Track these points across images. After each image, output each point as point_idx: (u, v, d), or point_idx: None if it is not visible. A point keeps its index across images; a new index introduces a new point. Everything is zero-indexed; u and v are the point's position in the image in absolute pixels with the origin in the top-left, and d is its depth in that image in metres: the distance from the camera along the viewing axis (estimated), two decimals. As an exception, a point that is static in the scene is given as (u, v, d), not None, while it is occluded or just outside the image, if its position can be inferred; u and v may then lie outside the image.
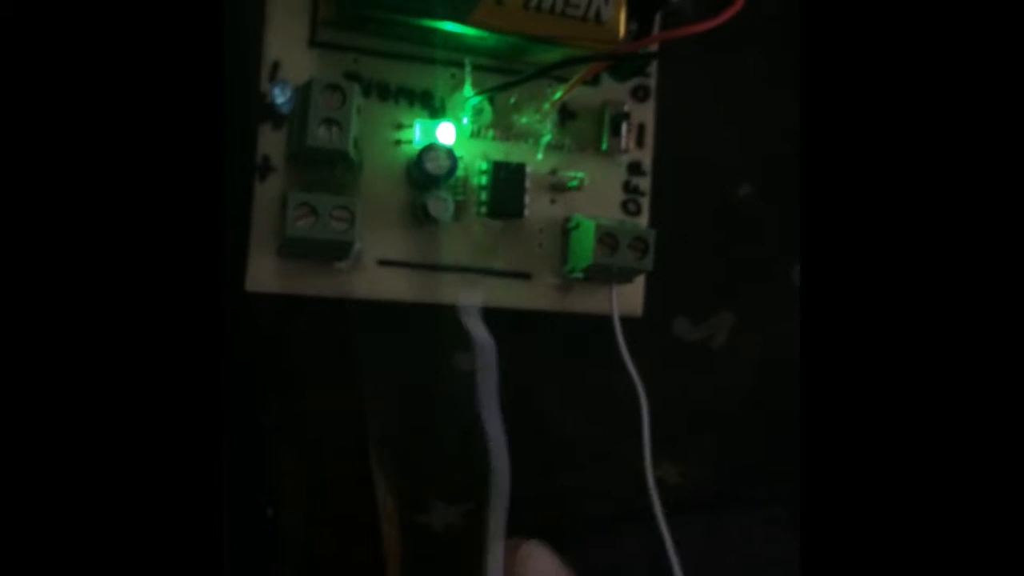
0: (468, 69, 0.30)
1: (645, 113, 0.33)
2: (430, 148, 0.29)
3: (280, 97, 0.27)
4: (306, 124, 0.27)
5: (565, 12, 0.29)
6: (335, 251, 0.29)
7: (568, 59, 0.29)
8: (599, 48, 0.29)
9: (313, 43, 0.30)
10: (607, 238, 0.30)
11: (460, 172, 0.30)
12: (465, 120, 0.31)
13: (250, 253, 0.29)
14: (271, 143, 0.30)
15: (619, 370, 0.31)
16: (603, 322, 0.32)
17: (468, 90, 0.30)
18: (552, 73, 0.30)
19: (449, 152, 0.29)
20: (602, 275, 0.31)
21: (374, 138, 0.30)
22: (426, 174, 0.29)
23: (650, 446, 0.31)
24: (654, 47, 0.30)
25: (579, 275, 0.31)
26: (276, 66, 0.30)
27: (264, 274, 0.29)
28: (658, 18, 0.31)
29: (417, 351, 0.32)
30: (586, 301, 0.32)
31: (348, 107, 0.28)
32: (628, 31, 0.30)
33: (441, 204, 0.29)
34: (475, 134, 0.31)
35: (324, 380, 0.31)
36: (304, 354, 0.31)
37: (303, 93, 0.28)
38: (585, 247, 0.30)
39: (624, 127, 0.32)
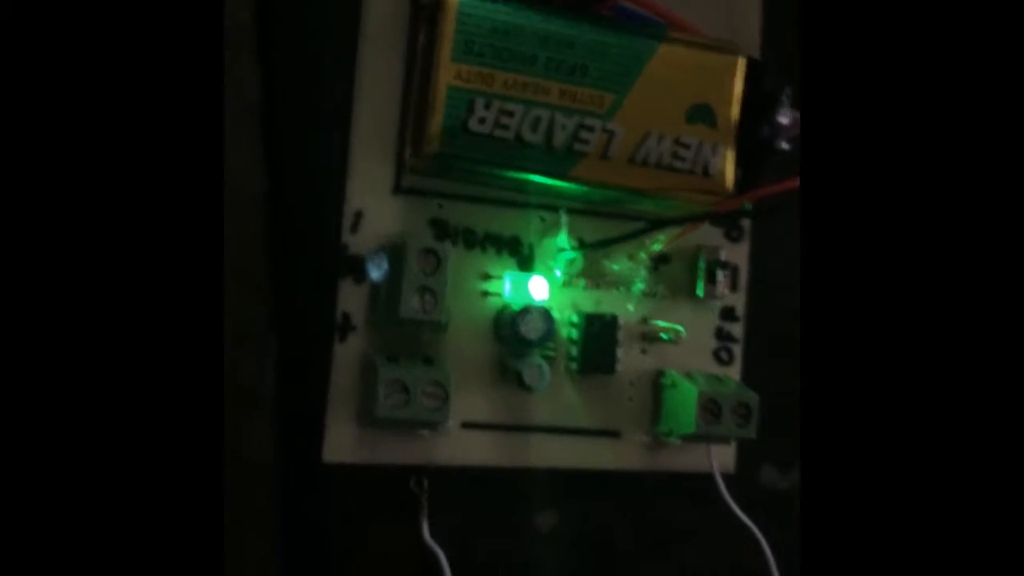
0: (564, 220, 0.28)
1: (739, 255, 0.31)
2: (526, 311, 0.27)
3: (375, 272, 0.25)
4: (399, 294, 0.25)
5: (672, 166, 0.27)
6: (424, 426, 0.27)
7: (676, 218, 0.27)
8: (706, 199, 0.27)
9: (397, 190, 0.28)
10: (710, 404, 0.28)
11: (551, 327, 0.28)
12: (558, 273, 0.28)
13: (328, 422, 0.27)
14: (352, 300, 0.27)
15: (719, 527, 0.29)
16: (694, 480, 0.30)
17: (564, 241, 0.28)
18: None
19: (546, 315, 0.27)
20: (700, 439, 0.29)
21: (460, 289, 0.28)
22: (521, 338, 0.27)
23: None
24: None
25: (675, 440, 0.29)
26: (359, 216, 0.27)
27: (343, 444, 0.27)
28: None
29: (495, 515, 0.30)
30: (678, 459, 0.30)
31: (442, 273, 0.26)
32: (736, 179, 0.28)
33: (537, 373, 0.27)
34: (566, 284, 0.29)
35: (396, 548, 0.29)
36: (378, 521, 0.29)
37: (392, 255, 0.26)
38: (684, 412, 0.28)
39: (720, 274, 0.30)
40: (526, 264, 0.29)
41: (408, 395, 0.25)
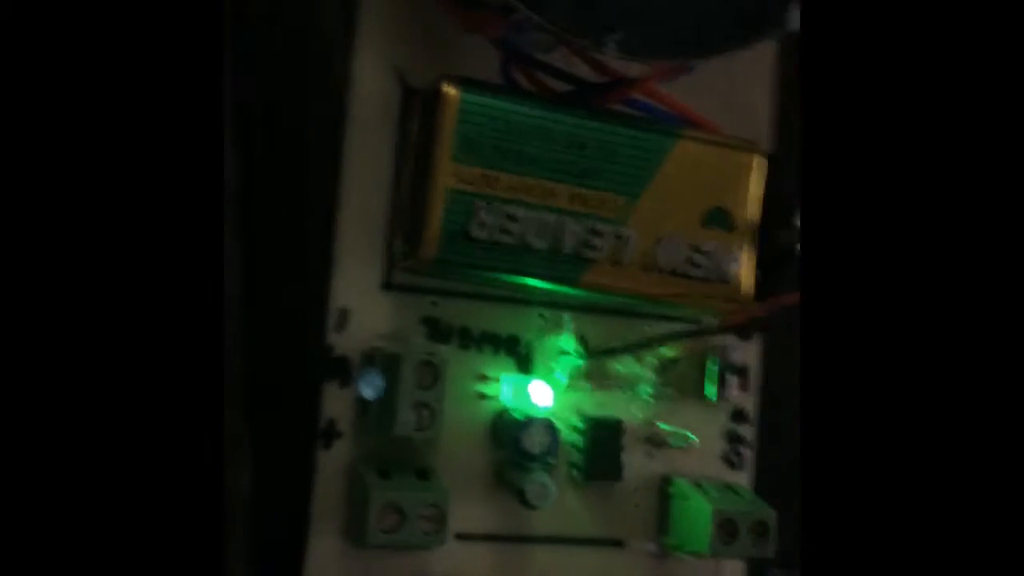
0: (568, 325, 0.26)
1: (750, 355, 0.29)
2: (528, 424, 0.25)
3: (369, 391, 0.23)
4: (394, 411, 0.23)
5: (688, 273, 0.25)
6: (418, 548, 0.25)
7: (689, 332, 0.25)
8: (723, 306, 0.25)
9: (387, 286, 0.26)
10: (726, 524, 0.26)
11: (551, 434, 0.26)
12: (561, 377, 0.27)
13: (310, 539, 0.25)
14: (338, 404, 0.25)
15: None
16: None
17: (567, 344, 0.26)
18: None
19: (549, 427, 0.25)
20: (714, 558, 0.27)
21: (455, 392, 0.26)
22: (523, 452, 0.25)
23: None
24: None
25: (685, 556, 0.27)
26: (345, 313, 0.25)
27: (327, 563, 0.25)
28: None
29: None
30: (685, 572, 0.28)
31: (440, 387, 0.24)
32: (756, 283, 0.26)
33: (541, 491, 0.25)
34: (568, 386, 0.27)
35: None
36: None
37: (384, 364, 0.24)
38: (697, 528, 0.26)
39: (730, 377, 0.28)
40: (525, 365, 0.27)
41: (403, 518, 0.23)
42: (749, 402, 0.29)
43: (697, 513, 0.26)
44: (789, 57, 0.29)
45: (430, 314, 0.26)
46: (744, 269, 0.25)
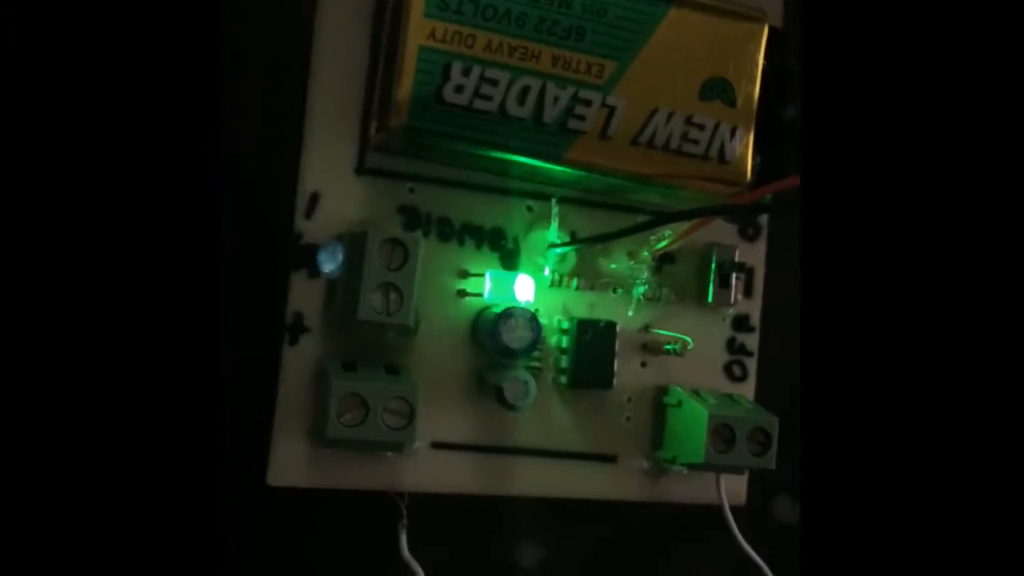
0: (555, 211, 0.24)
1: (755, 256, 0.27)
2: (508, 316, 0.23)
3: (328, 264, 0.21)
4: (357, 292, 0.21)
5: (682, 149, 0.23)
6: (385, 449, 0.23)
7: (685, 212, 0.23)
8: (721, 190, 0.23)
9: (361, 170, 0.24)
10: (722, 429, 0.24)
11: (537, 333, 0.24)
12: (547, 271, 0.25)
13: (274, 439, 0.23)
14: (305, 296, 0.23)
15: (725, 565, 0.25)
16: (699, 512, 0.26)
17: (554, 234, 0.24)
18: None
19: (532, 320, 0.23)
20: (710, 469, 0.25)
21: (432, 287, 0.24)
22: (502, 347, 0.23)
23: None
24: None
25: (680, 468, 0.25)
26: (315, 198, 0.23)
27: (291, 466, 0.23)
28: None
29: (472, 548, 0.26)
30: (682, 489, 0.26)
31: (410, 268, 0.22)
32: (754, 167, 0.24)
33: (520, 388, 0.23)
34: (554, 283, 0.25)
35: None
36: (335, 555, 0.25)
37: (351, 245, 0.22)
38: (692, 437, 0.24)
39: (733, 277, 0.26)
40: (510, 260, 0.25)
41: (367, 412, 0.21)
42: (755, 308, 0.27)
43: (692, 420, 0.24)
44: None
45: (407, 202, 0.24)
46: (745, 148, 0.23)
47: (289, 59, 0.24)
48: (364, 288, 0.21)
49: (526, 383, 0.23)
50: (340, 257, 0.21)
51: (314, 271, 0.23)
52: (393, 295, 0.22)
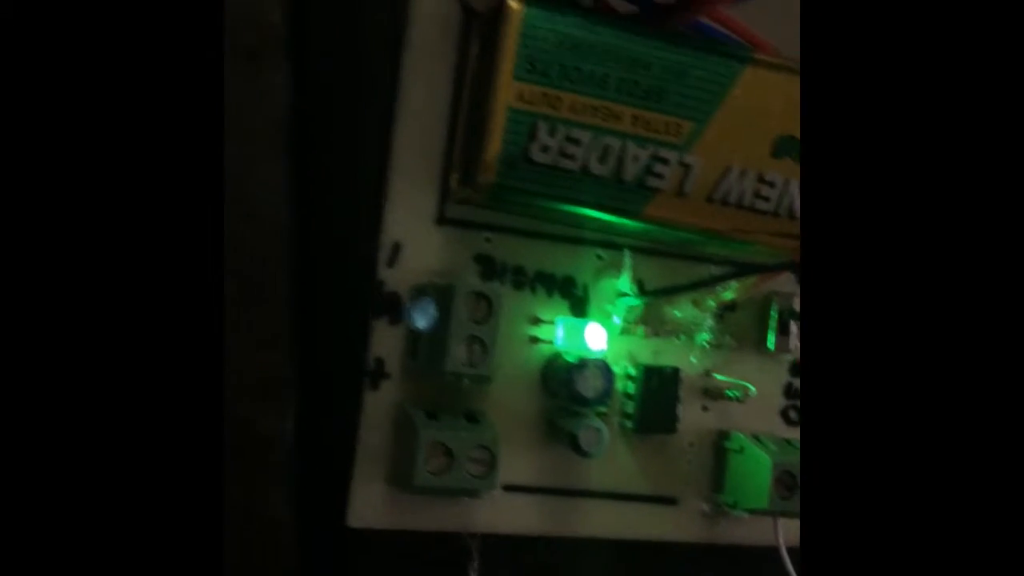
0: (627, 263, 0.25)
1: (814, 304, 0.27)
2: (583, 366, 0.24)
3: (422, 320, 0.22)
4: (445, 345, 0.22)
5: (755, 206, 0.24)
6: (466, 494, 0.23)
7: (755, 266, 0.24)
8: (790, 244, 0.24)
9: (441, 220, 0.25)
10: (785, 477, 0.25)
11: (605, 379, 0.25)
12: (617, 320, 0.25)
13: (353, 482, 0.24)
14: (387, 343, 0.24)
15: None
16: (756, 552, 0.27)
17: (625, 285, 0.25)
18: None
19: (605, 370, 0.24)
20: (771, 514, 0.26)
21: (507, 334, 0.25)
22: (576, 396, 0.24)
23: None
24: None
25: (741, 513, 0.26)
26: (397, 247, 0.24)
27: (370, 508, 0.24)
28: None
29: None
30: (739, 531, 0.27)
31: (494, 321, 0.22)
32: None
33: (594, 436, 0.24)
34: (622, 331, 0.26)
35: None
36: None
37: (437, 297, 0.23)
38: (755, 483, 0.25)
39: (793, 326, 0.27)
40: (580, 307, 0.26)
41: (452, 460, 0.22)
42: (811, 355, 0.28)
43: (755, 466, 0.25)
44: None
45: (484, 251, 0.25)
46: (815, 206, 0.24)
47: (374, 112, 0.25)
48: (451, 341, 0.22)
49: (599, 431, 0.24)
50: (433, 313, 0.22)
51: (395, 318, 0.24)
52: (477, 347, 0.22)
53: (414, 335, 0.24)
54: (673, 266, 0.26)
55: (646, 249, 0.26)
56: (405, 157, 0.24)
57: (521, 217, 0.25)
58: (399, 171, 0.24)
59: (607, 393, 0.24)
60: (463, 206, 0.24)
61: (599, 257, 0.26)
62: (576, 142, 0.22)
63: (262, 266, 0.25)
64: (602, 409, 0.25)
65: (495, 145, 0.22)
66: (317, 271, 0.25)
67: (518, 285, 0.25)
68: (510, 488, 0.25)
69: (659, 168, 0.23)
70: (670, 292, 0.25)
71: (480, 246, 0.25)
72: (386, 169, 0.24)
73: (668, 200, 0.23)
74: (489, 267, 0.25)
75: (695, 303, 0.26)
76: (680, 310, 0.26)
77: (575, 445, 0.24)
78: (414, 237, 0.24)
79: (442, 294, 0.23)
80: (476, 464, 0.22)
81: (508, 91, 0.22)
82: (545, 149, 0.22)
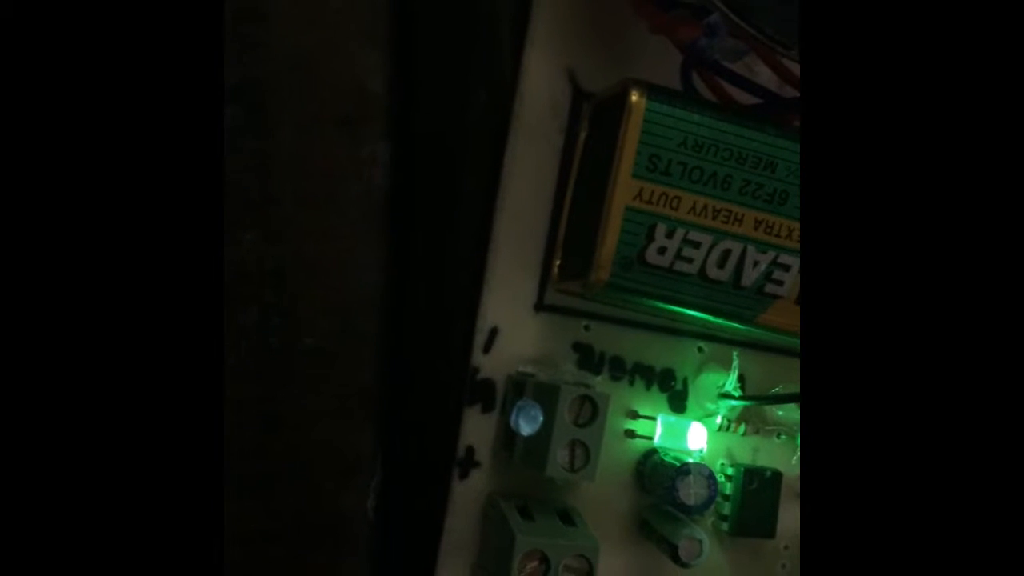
0: (735, 364, 0.24)
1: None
2: (686, 471, 0.23)
3: (527, 427, 0.21)
4: (546, 446, 0.21)
5: (875, 315, 0.22)
6: (558, 600, 0.22)
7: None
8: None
9: (540, 307, 0.24)
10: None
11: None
12: (719, 419, 0.24)
13: (439, 568, 0.23)
14: (478, 431, 0.23)
15: None
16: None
17: (732, 385, 0.24)
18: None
19: (709, 477, 0.23)
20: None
21: (602, 428, 0.24)
22: (678, 503, 0.23)
23: None
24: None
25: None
26: (494, 332, 0.23)
27: (455, 603, 0.23)
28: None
29: None
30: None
31: (599, 425, 0.22)
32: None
33: (695, 548, 0.23)
34: (721, 428, 0.25)
35: None
36: None
37: (538, 394, 0.22)
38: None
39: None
40: (678, 401, 0.25)
41: (547, 568, 0.21)
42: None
43: None
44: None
45: (582, 339, 0.24)
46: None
47: (476, 190, 0.24)
48: (553, 445, 0.21)
49: (701, 542, 0.23)
50: (540, 419, 0.21)
51: (488, 406, 0.23)
52: (579, 450, 0.22)
53: (507, 425, 0.23)
54: (776, 361, 0.25)
55: (749, 343, 0.25)
56: (507, 239, 0.23)
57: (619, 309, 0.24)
58: (500, 253, 0.23)
59: (710, 502, 0.23)
60: (562, 293, 0.23)
61: (700, 350, 0.25)
62: (695, 245, 0.21)
63: (353, 340, 0.24)
64: (704, 514, 0.24)
65: (611, 245, 0.21)
66: (407, 349, 0.24)
67: (616, 377, 0.24)
68: (598, 587, 0.24)
69: (779, 275, 0.22)
70: (777, 400, 0.23)
71: (579, 334, 0.24)
72: (486, 251, 0.23)
73: (786, 307, 0.22)
74: (587, 356, 0.24)
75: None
76: (783, 409, 0.25)
77: (674, 556, 0.23)
78: (512, 323, 0.23)
79: (544, 392, 0.22)
80: (572, 573, 0.21)
81: (627, 190, 0.21)
82: (662, 251, 0.21)
